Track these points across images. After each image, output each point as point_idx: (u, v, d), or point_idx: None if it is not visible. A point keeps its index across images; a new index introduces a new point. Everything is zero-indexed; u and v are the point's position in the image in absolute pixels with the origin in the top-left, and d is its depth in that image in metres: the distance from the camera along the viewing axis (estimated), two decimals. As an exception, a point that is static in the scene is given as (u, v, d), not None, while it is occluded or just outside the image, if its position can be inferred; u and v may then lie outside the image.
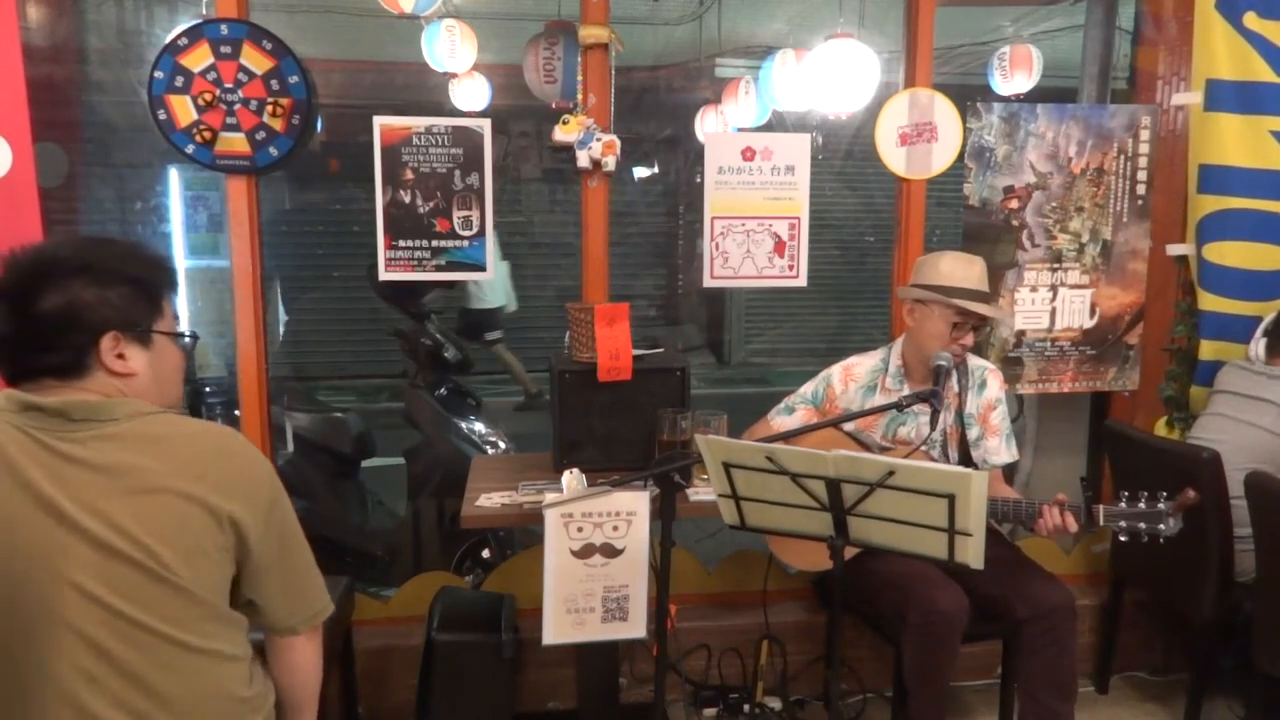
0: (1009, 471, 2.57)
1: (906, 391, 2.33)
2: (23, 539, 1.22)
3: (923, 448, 2.34)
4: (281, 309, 7.75)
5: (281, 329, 7.77)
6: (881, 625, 2.37)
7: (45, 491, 1.22)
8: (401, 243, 2.56)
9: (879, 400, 2.39)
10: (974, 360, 2.46)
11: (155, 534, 1.25)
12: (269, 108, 2.42)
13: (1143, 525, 1.96)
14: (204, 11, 2.50)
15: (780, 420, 2.48)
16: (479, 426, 3.70)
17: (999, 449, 2.42)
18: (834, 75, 2.83)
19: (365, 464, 3.84)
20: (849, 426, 2.42)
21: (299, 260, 8.30)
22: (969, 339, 2.31)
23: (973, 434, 2.41)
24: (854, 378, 2.47)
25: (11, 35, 2.26)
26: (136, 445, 1.28)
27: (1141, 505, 1.97)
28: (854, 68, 2.81)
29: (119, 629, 1.24)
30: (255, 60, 2.42)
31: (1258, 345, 2.66)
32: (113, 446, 1.26)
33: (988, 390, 2.43)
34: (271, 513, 1.37)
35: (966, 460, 2.39)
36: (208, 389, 3.90)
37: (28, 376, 1.29)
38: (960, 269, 2.31)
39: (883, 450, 2.41)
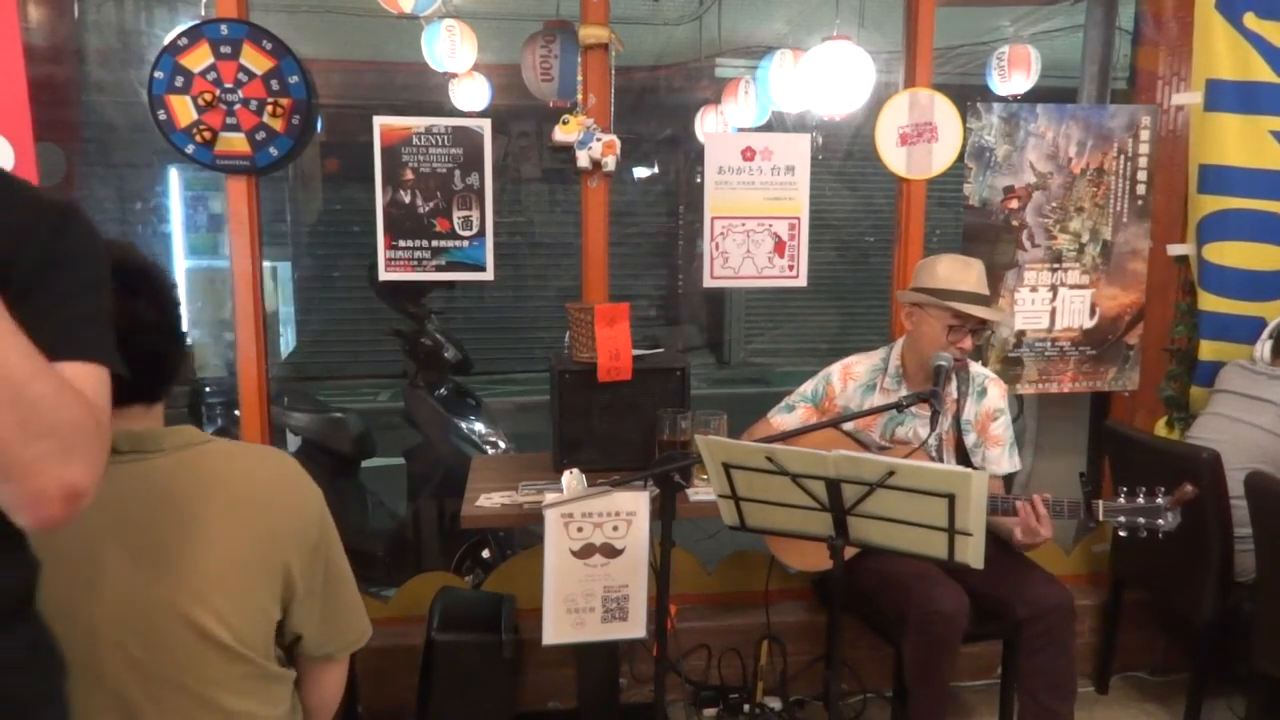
0: (1009, 479, 2.58)
1: (904, 393, 2.33)
2: (58, 590, 1.07)
3: (921, 448, 2.34)
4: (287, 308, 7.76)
5: (293, 333, 7.78)
6: (881, 625, 2.37)
7: (90, 535, 1.10)
8: (401, 243, 2.57)
9: (878, 400, 2.39)
10: (975, 368, 2.46)
11: (212, 583, 1.14)
12: (269, 108, 2.42)
13: (1142, 520, 1.97)
14: (204, 11, 2.50)
15: (780, 419, 2.49)
16: (479, 426, 3.70)
17: (1000, 459, 2.41)
18: (829, 77, 2.84)
19: (365, 464, 3.84)
20: (848, 426, 2.42)
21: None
22: (967, 342, 2.30)
23: (969, 440, 2.41)
24: (853, 377, 2.47)
25: (13, 36, 2.26)
26: (188, 481, 1.17)
27: (1140, 500, 1.98)
28: (849, 70, 2.82)
29: (153, 691, 1.13)
30: (255, 60, 2.42)
31: (1263, 346, 2.66)
32: (163, 483, 1.15)
33: (987, 398, 2.42)
34: (318, 549, 1.27)
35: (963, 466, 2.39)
36: (208, 389, 3.90)
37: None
38: (957, 272, 2.30)
39: (881, 450, 2.41)
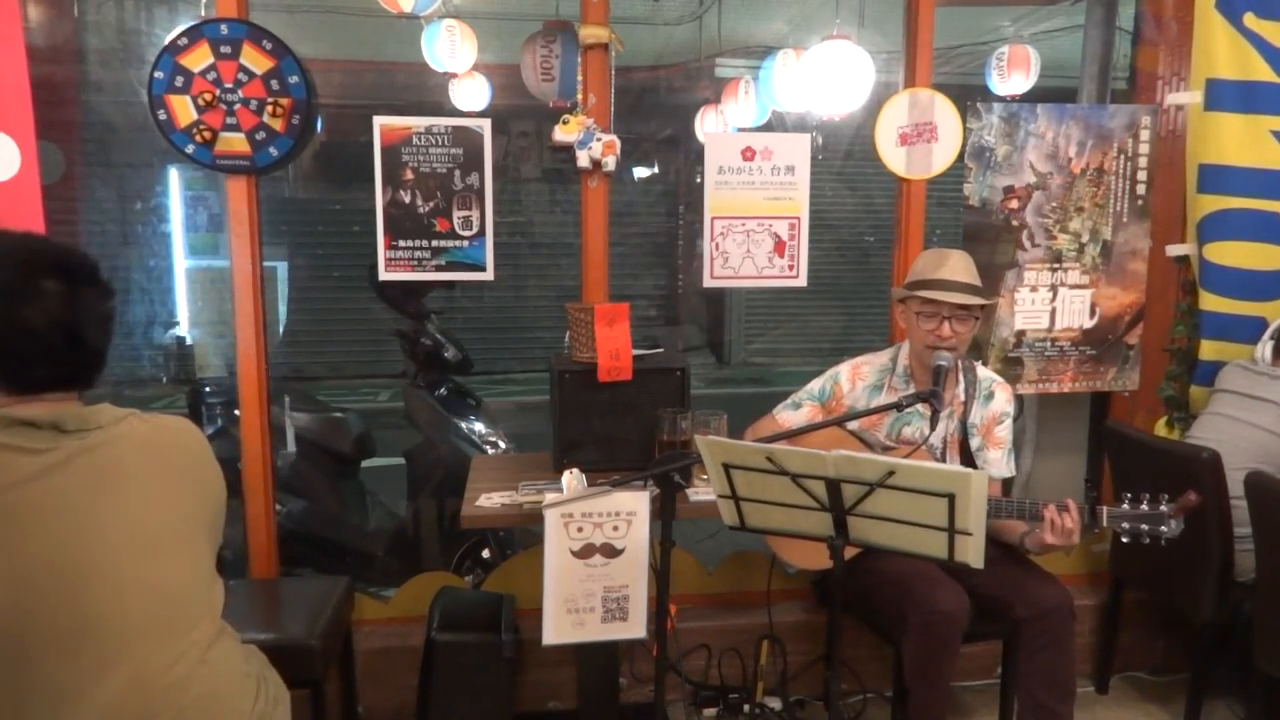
0: (1007, 485, 2.56)
1: (912, 392, 2.33)
2: (42, 558, 1.16)
3: (924, 447, 2.34)
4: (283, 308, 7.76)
5: (280, 328, 7.78)
6: (881, 625, 2.36)
7: (44, 505, 1.18)
8: (401, 243, 2.57)
9: (885, 400, 2.38)
10: (983, 371, 2.47)
11: (167, 536, 1.26)
12: (269, 108, 2.42)
13: (1145, 527, 1.97)
14: (204, 11, 2.50)
15: (786, 416, 2.49)
16: (479, 426, 3.70)
17: (999, 462, 2.40)
18: (829, 77, 2.84)
19: (365, 464, 3.84)
20: (853, 425, 2.42)
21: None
22: (944, 329, 2.26)
23: (974, 443, 2.41)
24: (861, 377, 2.47)
25: (15, 37, 2.26)
26: (133, 449, 1.27)
27: (1144, 507, 1.97)
28: (849, 69, 2.82)
29: (128, 631, 1.24)
30: (255, 60, 2.42)
31: (1265, 347, 2.66)
32: (113, 453, 1.24)
33: (994, 402, 2.42)
34: (223, 509, 1.42)
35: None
36: (208, 389, 3.90)
37: (45, 387, 1.24)
38: (930, 262, 2.33)
39: (886, 450, 2.41)
